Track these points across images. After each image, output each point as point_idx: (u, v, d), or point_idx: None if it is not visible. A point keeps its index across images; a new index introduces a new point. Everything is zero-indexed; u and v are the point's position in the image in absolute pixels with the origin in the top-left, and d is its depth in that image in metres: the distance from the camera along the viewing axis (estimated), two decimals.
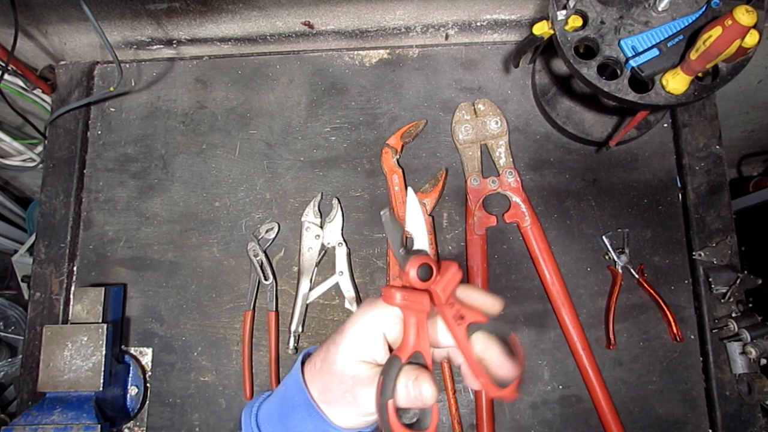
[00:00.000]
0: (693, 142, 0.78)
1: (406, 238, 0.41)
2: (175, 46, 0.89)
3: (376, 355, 0.41)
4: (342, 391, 0.40)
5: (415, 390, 0.38)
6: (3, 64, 0.78)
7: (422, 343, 0.40)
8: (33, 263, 0.80)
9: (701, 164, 0.77)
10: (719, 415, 0.71)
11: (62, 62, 0.88)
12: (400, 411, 0.38)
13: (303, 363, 0.44)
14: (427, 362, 0.40)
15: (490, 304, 0.43)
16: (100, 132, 0.84)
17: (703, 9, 0.58)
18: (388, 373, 0.38)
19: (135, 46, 0.89)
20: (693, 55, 0.53)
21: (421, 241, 0.44)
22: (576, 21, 0.59)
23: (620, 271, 0.74)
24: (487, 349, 0.41)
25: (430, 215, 0.77)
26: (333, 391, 0.41)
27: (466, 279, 0.75)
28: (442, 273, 0.41)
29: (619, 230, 0.76)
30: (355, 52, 0.84)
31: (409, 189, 0.41)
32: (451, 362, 0.44)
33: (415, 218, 0.45)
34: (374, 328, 0.41)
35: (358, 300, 0.76)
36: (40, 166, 1.03)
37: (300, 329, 0.75)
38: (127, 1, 0.79)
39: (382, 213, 0.41)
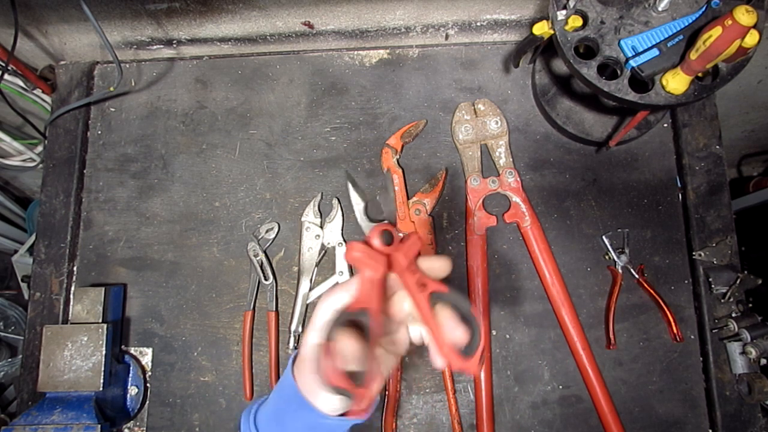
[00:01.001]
0: (693, 142, 0.78)
1: (368, 205, 0.42)
2: (175, 46, 0.89)
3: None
4: (310, 372, 0.42)
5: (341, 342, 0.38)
6: (3, 64, 0.78)
7: (372, 303, 0.41)
8: (33, 263, 0.80)
9: (701, 164, 0.77)
10: (719, 415, 0.71)
11: (62, 62, 0.88)
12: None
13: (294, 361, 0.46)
14: (374, 321, 0.40)
15: (438, 265, 0.44)
16: (100, 132, 0.84)
17: (703, 9, 0.58)
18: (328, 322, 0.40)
19: (135, 46, 0.89)
20: (693, 55, 0.53)
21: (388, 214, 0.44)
22: (576, 21, 0.59)
23: (620, 271, 0.74)
24: (444, 316, 0.41)
25: (430, 215, 0.77)
26: (306, 376, 0.42)
27: (466, 279, 0.75)
28: (403, 240, 0.43)
29: (619, 230, 0.76)
30: (355, 52, 0.84)
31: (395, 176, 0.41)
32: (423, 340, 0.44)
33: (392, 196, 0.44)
34: (330, 312, 0.42)
35: None
36: (40, 166, 1.03)
37: (300, 329, 0.75)
38: (127, 1, 0.79)
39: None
